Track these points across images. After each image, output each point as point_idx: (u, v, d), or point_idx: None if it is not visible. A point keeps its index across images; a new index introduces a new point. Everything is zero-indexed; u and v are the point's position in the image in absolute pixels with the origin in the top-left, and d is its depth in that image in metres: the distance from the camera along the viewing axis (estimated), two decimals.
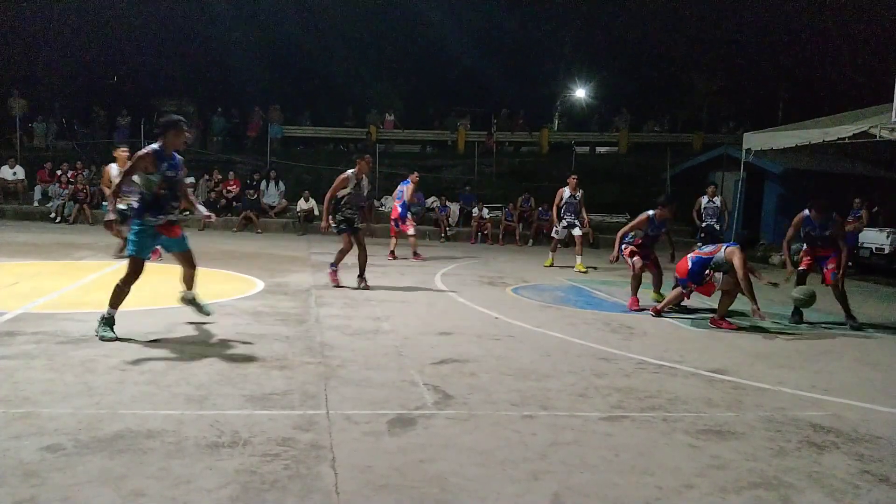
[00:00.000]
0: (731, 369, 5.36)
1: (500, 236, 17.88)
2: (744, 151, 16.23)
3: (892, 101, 11.50)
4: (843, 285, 7.68)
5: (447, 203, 18.68)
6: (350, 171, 8.38)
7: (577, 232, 11.99)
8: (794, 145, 14.84)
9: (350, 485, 2.96)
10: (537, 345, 5.95)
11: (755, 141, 16.07)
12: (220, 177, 18.46)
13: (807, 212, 7.72)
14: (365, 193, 8.52)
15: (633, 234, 8.22)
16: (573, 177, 12.22)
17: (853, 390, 4.96)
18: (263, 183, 18.33)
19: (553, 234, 12.46)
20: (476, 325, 6.65)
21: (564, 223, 12.00)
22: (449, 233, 18.04)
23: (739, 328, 7.03)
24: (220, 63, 27.06)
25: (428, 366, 5.00)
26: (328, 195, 8.35)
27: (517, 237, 17.93)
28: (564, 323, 6.98)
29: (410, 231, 12.40)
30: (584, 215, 12.11)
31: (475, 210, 18.31)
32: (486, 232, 17.89)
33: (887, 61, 12.10)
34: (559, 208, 12.06)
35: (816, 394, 4.82)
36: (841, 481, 3.29)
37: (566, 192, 12.02)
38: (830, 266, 7.65)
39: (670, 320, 7.43)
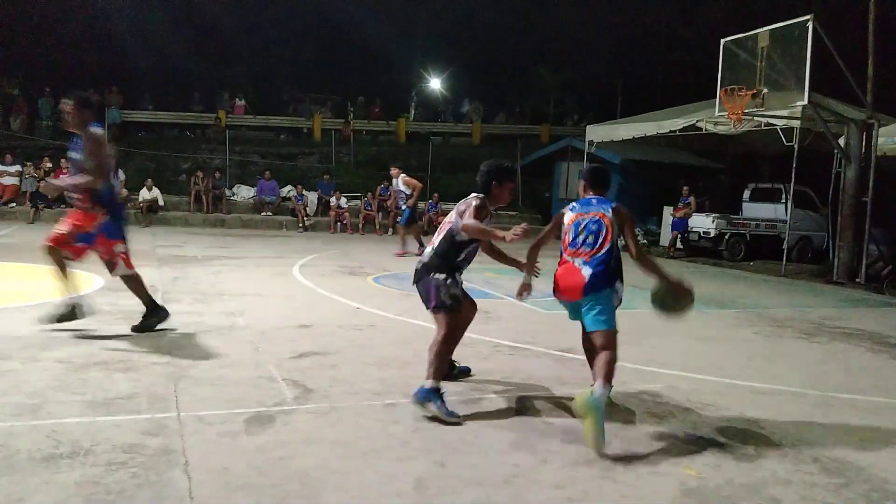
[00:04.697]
0: (579, 348, 5.66)
1: (360, 225, 17.80)
2: (587, 143, 17.20)
3: (716, 97, 12.68)
4: None
5: (304, 192, 18.30)
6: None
7: None
8: (631, 137, 15.93)
9: (205, 488, 2.84)
10: (399, 333, 5.99)
11: (597, 133, 17.08)
12: (49, 165, 16.94)
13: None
14: None
15: None
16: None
17: (684, 363, 5.43)
18: None
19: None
20: (337, 317, 6.58)
21: None
22: (307, 223, 17.69)
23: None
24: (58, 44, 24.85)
25: (287, 360, 4.88)
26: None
27: (377, 226, 17.92)
28: (426, 311, 7.04)
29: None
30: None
31: (333, 199, 18.07)
32: (344, 221, 17.72)
33: (712, 61, 13.31)
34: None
35: (653, 367, 5.23)
36: (680, 443, 3.61)
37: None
38: None
39: (525, 304, 7.71)
